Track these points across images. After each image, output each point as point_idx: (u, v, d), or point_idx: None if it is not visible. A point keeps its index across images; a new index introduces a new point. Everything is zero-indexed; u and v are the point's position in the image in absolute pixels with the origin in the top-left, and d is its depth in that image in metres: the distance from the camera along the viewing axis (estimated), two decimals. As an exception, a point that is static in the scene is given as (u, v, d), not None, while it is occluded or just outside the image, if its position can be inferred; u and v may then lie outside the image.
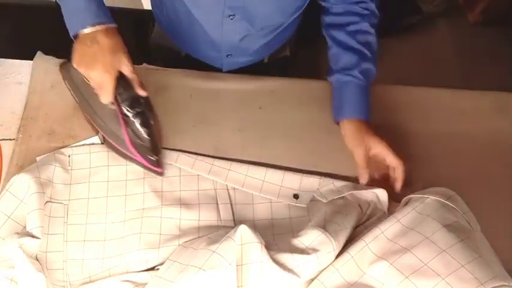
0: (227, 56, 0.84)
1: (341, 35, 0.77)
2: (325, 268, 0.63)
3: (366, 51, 0.76)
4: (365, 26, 0.76)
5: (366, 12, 0.76)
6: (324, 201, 0.71)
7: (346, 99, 0.77)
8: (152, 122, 0.67)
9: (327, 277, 0.62)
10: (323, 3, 0.80)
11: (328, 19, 0.79)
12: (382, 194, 0.71)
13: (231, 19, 0.74)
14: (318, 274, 0.63)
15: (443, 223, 0.60)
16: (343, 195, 0.71)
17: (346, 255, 0.63)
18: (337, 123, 0.78)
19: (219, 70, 0.88)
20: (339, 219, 0.67)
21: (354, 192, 0.72)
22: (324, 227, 0.64)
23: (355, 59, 0.75)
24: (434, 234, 0.59)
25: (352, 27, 0.76)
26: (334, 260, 0.63)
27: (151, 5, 0.91)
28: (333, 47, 0.78)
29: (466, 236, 0.58)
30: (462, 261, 0.55)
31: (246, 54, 0.86)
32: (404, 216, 0.64)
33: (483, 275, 0.54)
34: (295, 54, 1.00)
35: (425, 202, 0.64)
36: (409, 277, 0.56)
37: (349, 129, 0.75)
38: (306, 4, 0.78)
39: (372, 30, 0.77)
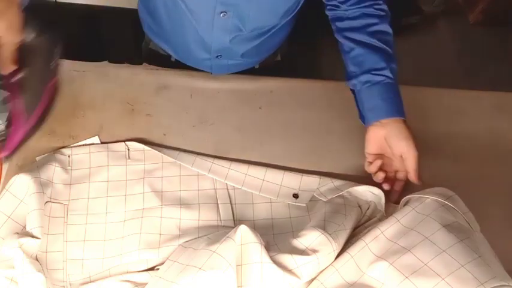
0: (216, 57, 0.84)
1: (363, 37, 0.75)
2: (325, 268, 0.63)
3: (390, 51, 0.75)
4: (384, 26, 0.76)
5: (382, 13, 0.76)
6: (324, 200, 0.71)
7: (383, 99, 0.73)
8: (7, 104, 0.59)
9: (327, 277, 0.62)
10: (335, 12, 0.78)
11: (343, 24, 0.78)
12: (379, 193, 0.71)
13: (223, 16, 0.74)
14: (318, 274, 0.63)
15: (443, 223, 0.60)
16: (342, 192, 0.71)
17: (346, 255, 0.63)
18: (367, 125, 0.74)
19: None
20: (339, 219, 0.67)
21: (352, 191, 0.72)
22: (323, 227, 0.64)
23: (383, 59, 0.74)
24: (434, 234, 0.59)
25: (372, 28, 0.75)
26: (334, 260, 0.63)
27: (139, 11, 0.91)
28: (355, 48, 0.76)
29: (466, 236, 0.58)
30: (462, 261, 0.55)
31: (235, 57, 0.85)
32: (404, 216, 0.64)
33: (483, 275, 0.53)
34: (286, 59, 0.99)
35: (424, 202, 0.64)
36: (409, 277, 0.56)
37: (391, 130, 0.72)
38: (297, 9, 0.78)
39: (391, 31, 0.76)
